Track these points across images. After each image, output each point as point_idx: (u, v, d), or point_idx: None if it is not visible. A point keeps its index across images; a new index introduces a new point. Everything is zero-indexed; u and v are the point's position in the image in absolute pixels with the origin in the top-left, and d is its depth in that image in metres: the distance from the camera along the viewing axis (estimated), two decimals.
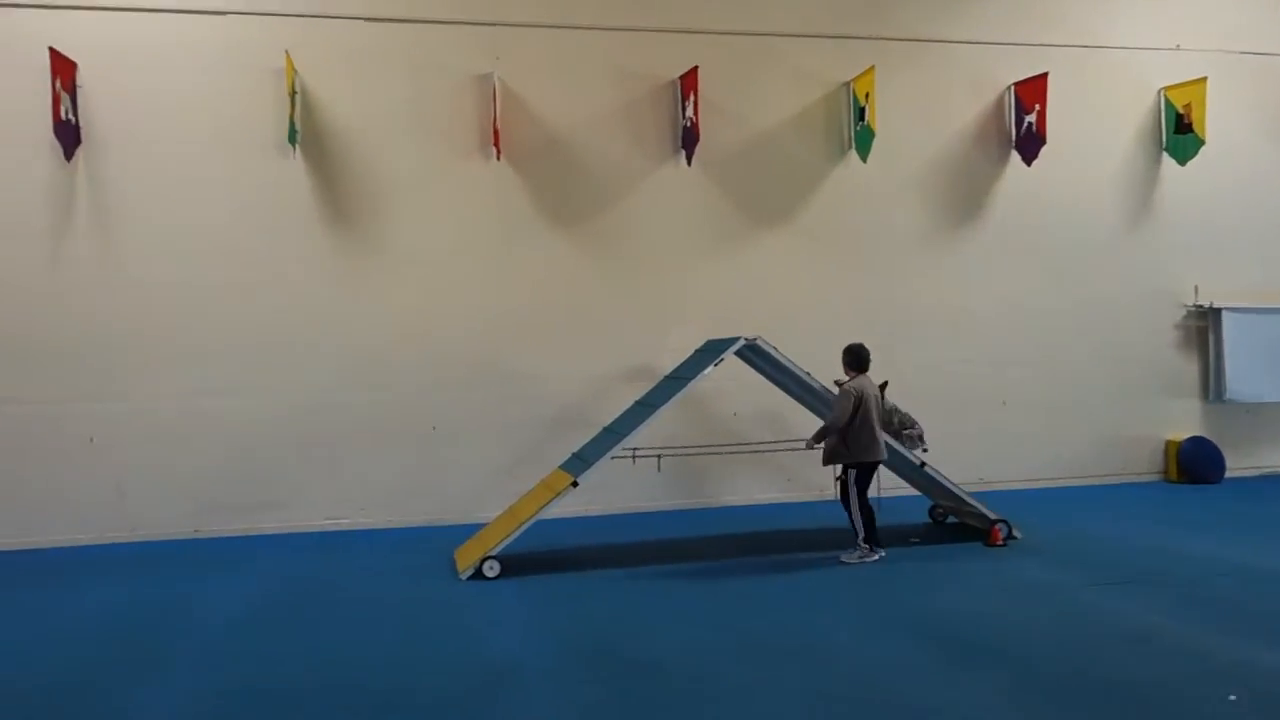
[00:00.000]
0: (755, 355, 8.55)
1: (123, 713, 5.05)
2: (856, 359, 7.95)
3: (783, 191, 10.91)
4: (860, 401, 7.70)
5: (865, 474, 7.85)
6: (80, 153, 9.43)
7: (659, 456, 8.22)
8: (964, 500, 8.50)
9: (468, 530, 8.88)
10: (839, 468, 8.00)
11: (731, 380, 9.43)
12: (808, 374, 8.29)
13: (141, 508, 9.55)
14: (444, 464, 10.15)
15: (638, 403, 8.79)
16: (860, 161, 10.69)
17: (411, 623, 6.53)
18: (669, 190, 10.64)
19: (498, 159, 10.09)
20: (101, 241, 9.52)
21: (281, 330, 9.81)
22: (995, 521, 8.30)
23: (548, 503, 7.69)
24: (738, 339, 8.11)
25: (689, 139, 10.34)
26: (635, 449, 8.17)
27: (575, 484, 7.71)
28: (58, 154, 9.34)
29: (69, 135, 9.25)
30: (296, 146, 9.66)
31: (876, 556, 7.78)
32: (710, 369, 8.02)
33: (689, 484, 10.54)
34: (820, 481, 10.70)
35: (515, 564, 7.67)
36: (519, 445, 10.22)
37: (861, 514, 7.81)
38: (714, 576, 7.61)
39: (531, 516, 7.64)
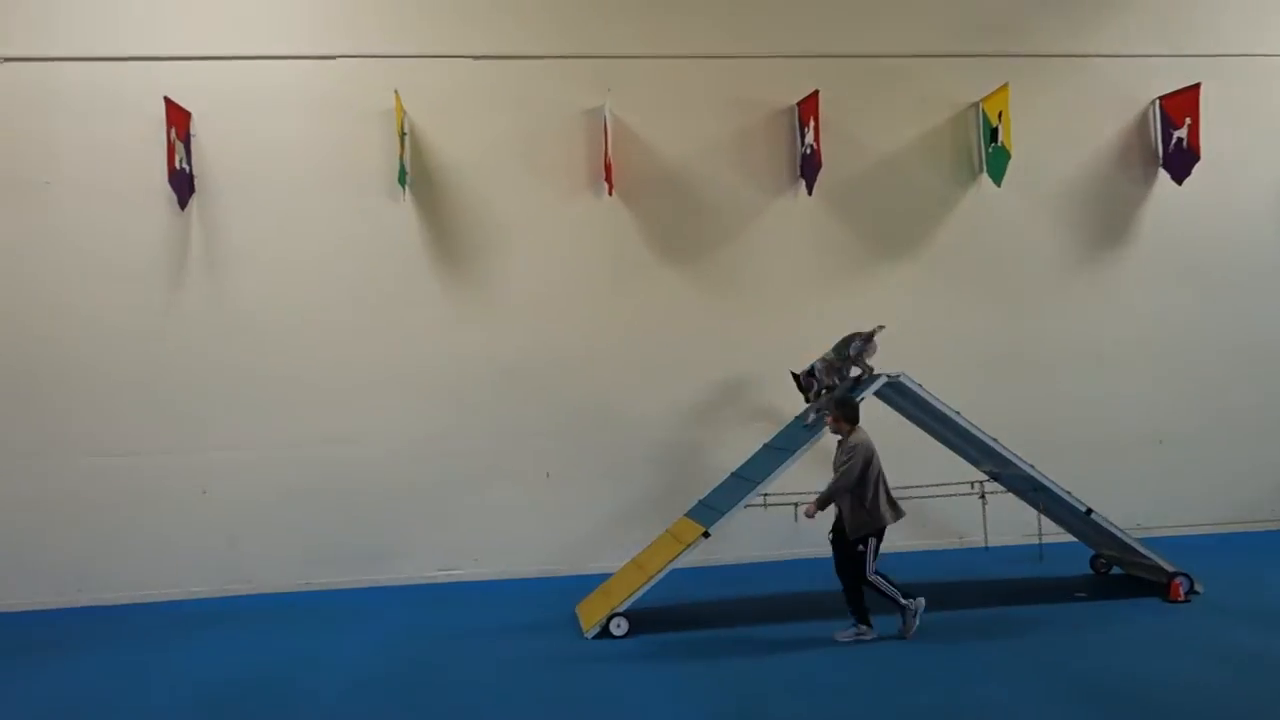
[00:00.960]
0: (895, 393, 7.90)
1: None
2: (854, 411, 7.06)
3: (909, 220, 10.28)
4: (870, 458, 6.86)
5: (880, 540, 6.90)
6: (194, 201, 9.38)
7: (796, 505, 7.61)
8: (1134, 549, 7.66)
9: (583, 581, 8.42)
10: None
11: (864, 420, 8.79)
12: (957, 413, 7.61)
13: (253, 559, 9.33)
14: (558, 511, 9.70)
15: (767, 446, 8.21)
16: (993, 185, 10.01)
17: (545, 690, 6.02)
18: (787, 222, 10.12)
19: (609, 194, 9.72)
20: (214, 289, 9.43)
21: (392, 375, 9.55)
22: (1174, 575, 7.44)
23: (677, 555, 7.15)
24: (879, 376, 7.49)
25: (810, 167, 9.82)
26: (766, 495, 7.59)
27: (707, 534, 7.16)
28: (172, 203, 9.31)
29: (183, 184, 9.21)
30: (406, 188, 9.45)
31: (874, 635, 6.83)
32: None
33: (810, 531, 9.84)
34: (958, 528, 10.02)
35: (643, 620, 7.14)
36: (635, 491, 9.73)
37: (876, 582, 6.82)
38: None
39: (661, 570, 7.11)
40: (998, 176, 9.91)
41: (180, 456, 9.26)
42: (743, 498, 7.29)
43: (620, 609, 7.04)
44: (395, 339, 9.57)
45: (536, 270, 9.79)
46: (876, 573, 6.79)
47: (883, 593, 6.81)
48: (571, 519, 9.71)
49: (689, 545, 7.15)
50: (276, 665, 6.79)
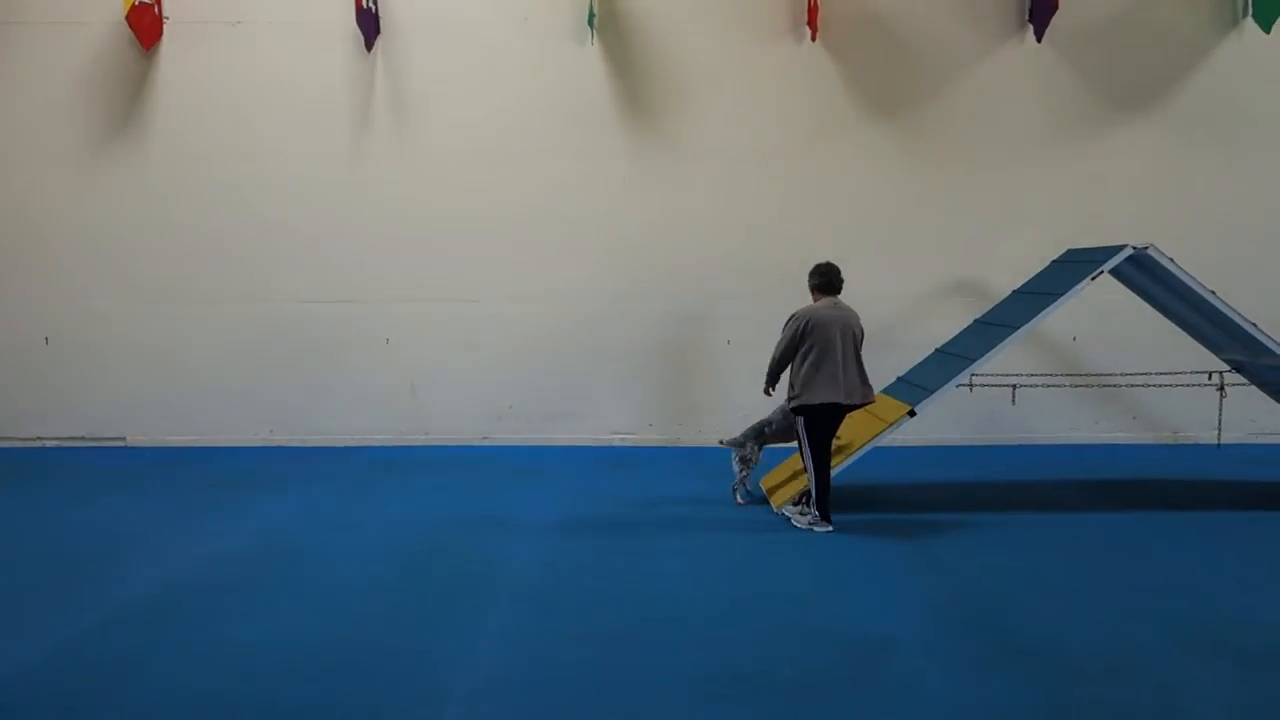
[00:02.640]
0: (1136, 270, 6.99)
1: (454, 650, 4.55)
2: (825, 279, 6.38)
3: (1153, 72, 9.03)
4: (803, 331, 6.17)
5: (820, 422, 6.21)
6: (379, 43, 9.09)
7: (1014, 387, 6.94)
8: None
9: (773, 453, 8.02)
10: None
11: (1077, 299, 7.92)
12: (1212, 293, 6.67)
13: (434, 411, 9.38)
14: (736, 381, 9.24)
15: (980, 321, 7.50)
16: (1261, 32, 8.60)
17: (738, 566, 5.71)
18: (1011, 73, 9.04)
19: (812, 40, 8.88)
20: (399, 136, 9.21)
21: (576, 232, 9.21)
22: None
23: (879, 434, 6.64)
24: (1123, 247, 6.59)
25: (1043, 9, 8.66)
26: (973, 376, 6.93)
27: (913, 413, 6.60)
28: (358, 44, 9.06)
29: (370, 25, 8.91)
30: (594, 32, 8.87)
31: (828, 529, 6.24)
32: (1086, 283, 6.57)
33: (1012, 417, 9.10)
34: (1175, 421, 9.12)
35: (836, 499, 6.72)
36: None
37: (816, 472, 6.24)
38: (1081, 532, 6.32)
39: (861, 448, 6.62)
40: (1267, 22, 8.52)
41: (365, 306, 9.28)
42: (954, 376, 6.67)
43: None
44: (582, 195, 9.18)
45: (728, 124, 9.12)
46: (816, 464, 6.23)
47: (810, 480, 6.29)
48: (750, 390, 9.24)
49: (892, 424, 6.61)
50: (463, 518, 6.77)
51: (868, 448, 6.61)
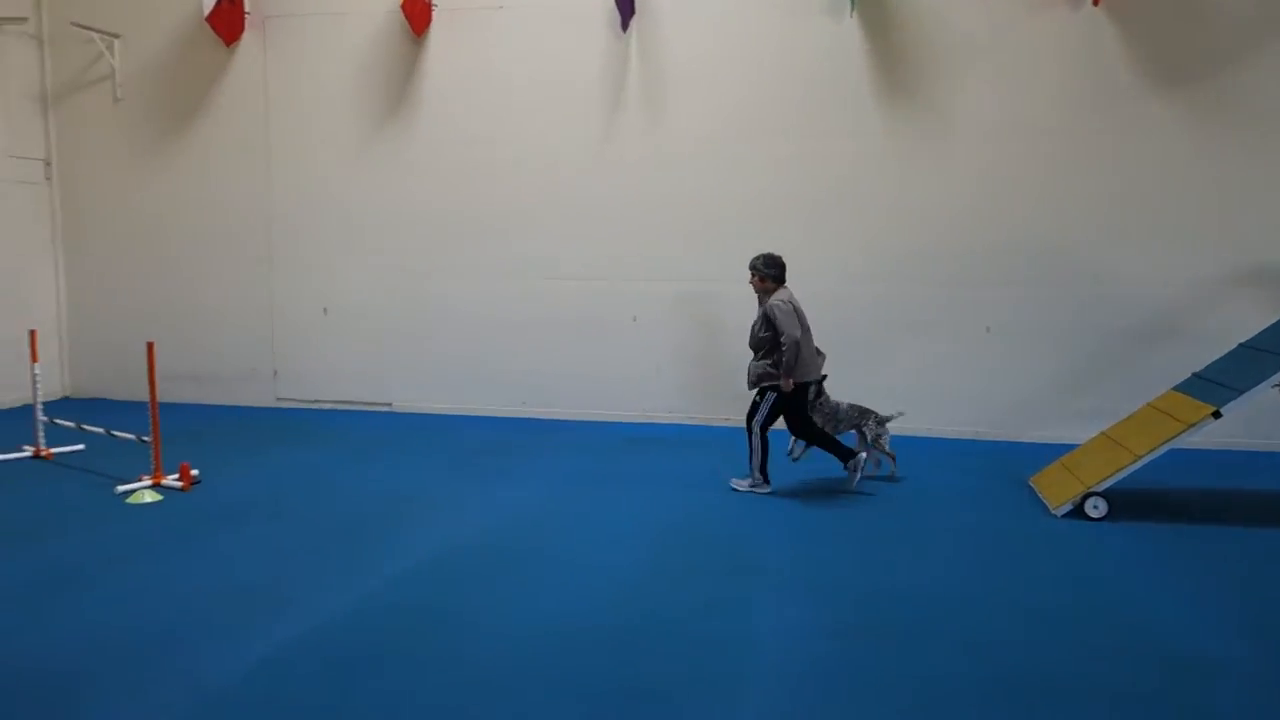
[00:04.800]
0: None
1: (733, 635, 4.52)
2: (782, 271, 7.03)
3: None
4: (800, 315, 6.83)
5: (802, 397, 6.91)
6: (634, 23, 9.16)
7: None
8: None
9: (1021, 450, 7.64)
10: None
11: None
12: None
13: (675, 390, 9.44)
14: (994, 370, 8.82)
15: None
16: None
17: (1027, 571, 5.37)
18: None
19: (1095, 4, 8.21)
20: (651, 115, 9.25)
21: (825, 210, 8.98)
22: None
23: (1176, 435, 6.07)
24: None
25: None
26: None
27: (1218, 414, 6.00)
28: (613, 26, 9.17)
29: (626, 5, 8.99)
30: (854, 5, 8.57)
31: (769, 489, 6.94)
32: None
33: None
34: None
35: (1125, 504, 6.23)
36: (1087, 356, 8.60)
37: (762, 438, 6.93)
38: None
39: (1155, 450, 6.09)
40: None
41: (614, 283, 9.44)
42: (1271, 374, 6.00)
43: (1098, 488, 6.17)
44: (831, 171, 8.93)
45: (994, 97, 8.59)
46: (763, 432, 6.90)
47: (754, 453, 6.94)
48: (1008, 379, 8.80)
49: (1192, 425, 6.04)
50: (715, 497, 6.76)
51: (1163, 449, 6.07)
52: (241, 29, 9.89)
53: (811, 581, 5.13)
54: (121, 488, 6.65)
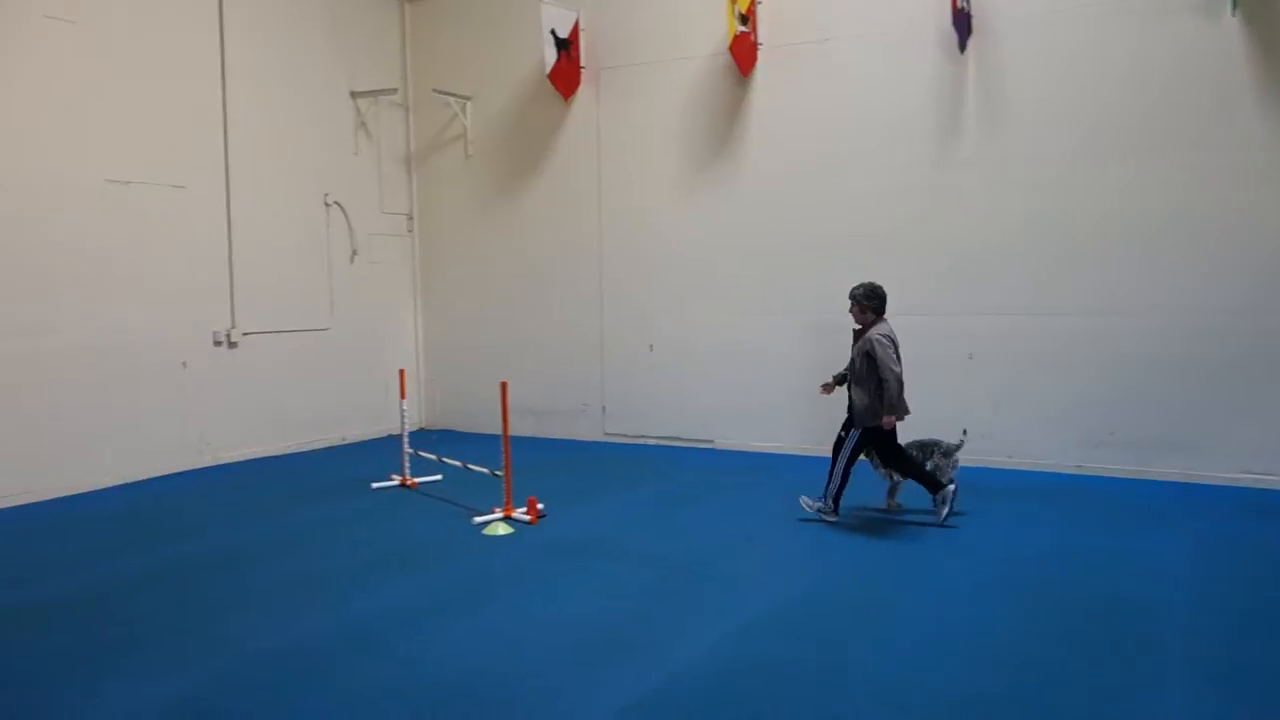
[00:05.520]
0: None
1: None
2: (882, 302, 6.91)
3: None
4: (897, 348, 6.77)
5: (888, 434, 6.82)
6: (971, 42, 8.67)
7: None
8: None
9: None
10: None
11: None
12: None
13: (1017, 432, 8.73)
14: None
15: None
16: None
17: None
18: None
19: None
20: (989, 138, 8.70)
21: (1174, 232, 8.01)
22: None
23: None
24: None
25: None
26: None
27: None
28: (946, 48, 8.74)
29: (964, 25, 8.54)
30: (1235, 3, 7.59)
31: (836, 519, 6.91)
32: None
33: None
34: None
35: None
36: None
37: (846, 470, 6.87)
38: None
39: None
40: None
41: (948, 317, 8.93)
42: None
43: None
44: (1184, 190, 7.96)
45: None
46: (849, 465, 6.85)
47: (833, 480, 6.88)
48: None
49: None
50: (1078, 552, 6.09)
51: None
52: (578, 83, 10.46)
53: (1223, 664, 4.43)
54: (477, 519, 7.10)
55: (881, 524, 7.02)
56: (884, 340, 6.76)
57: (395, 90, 11.20)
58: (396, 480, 8.46)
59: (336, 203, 10.69)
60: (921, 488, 7.06)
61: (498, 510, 7.21)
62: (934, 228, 8.94)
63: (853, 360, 6.97)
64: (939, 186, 8.91)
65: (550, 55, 10.09)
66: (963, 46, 8.62)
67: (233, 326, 9.61)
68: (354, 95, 10.86)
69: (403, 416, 8.59)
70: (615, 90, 10.39)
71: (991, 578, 5.73)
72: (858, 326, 7.06)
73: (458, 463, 7.97)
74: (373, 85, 10.94)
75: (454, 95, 11.07)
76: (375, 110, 11.14)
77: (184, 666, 4.59)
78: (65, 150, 8.21)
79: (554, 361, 10.93)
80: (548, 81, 10.41)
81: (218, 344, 9.51)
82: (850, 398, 7.00)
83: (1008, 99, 8.60)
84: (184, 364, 9.19)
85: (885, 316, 6.96)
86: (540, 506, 7.22)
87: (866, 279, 9.14)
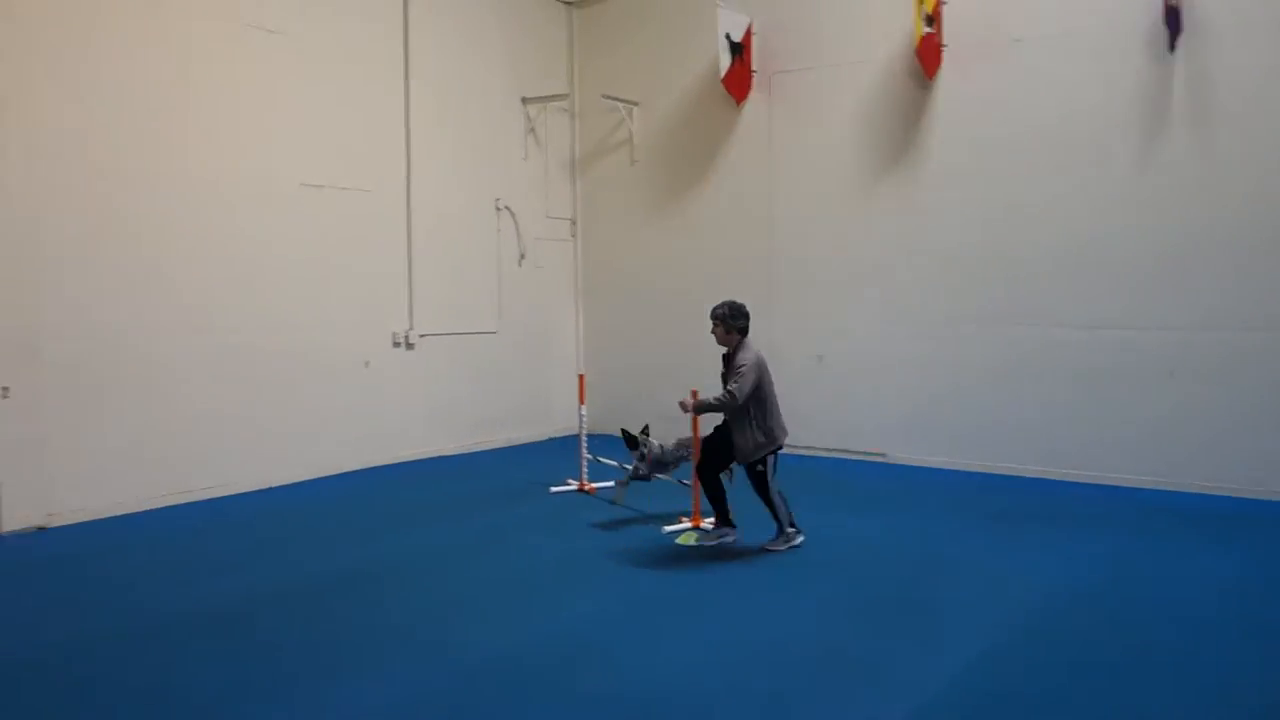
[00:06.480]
0: None
1: None
2: (746, 322, 6.56)
3: None
4: (762, 375, 6.37)
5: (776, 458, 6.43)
6: (1180, 42, 8.19)
7: None
8: None
9: None
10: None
11: None
12: None
13: (1226, 453, 8.18)
14: None
15: None
16: None
17: None
18: None
19: None
20: (1199, 140, 8.19)
21: None
22: None
23: None
24: None
25: None
26: None
27: None
28: (1150, 47, 8.28)
29: (1174, 22, 8.06)
30: None
31: (801, 538, 6.55)
32: None
33: None
34: None
35: None
36: None
37: (775, 497, 6.46)
38: None
39: None
40: None
41: (1146, 332, 8.44)
42: None
43: None
44: None
45: None
46: (778, 492, 6.49)
47: (776, 512, 6.50)
48: None
49: None
50: None
51: None
52: (749, 87, 10.33)
53: None
54: (667, 528, 7.03)
55: (1090, 555, 6.63)
56: (753, 366, 6.34)
57: (566, 96, 11.29)
58: (574, 484, 8.47)
59: (506, 207, 10.84)
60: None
61: (684, 520, 7.13)
62: (1132, 236, 8.47)
63: (727, 389, 6.43)
64: (1140, 192, 8.43)
65: (725, 60, 9.99)
66: (1173, 45, 8.14)
67: (410, 328, 9.83)
68: (525, 101, 10.99)
69: (581, 421, 8.60)
70: (788, 94, 10.21)
71: (1221, 609, 5.34)
72: (725, 350, 6.64)
73: (671, 479, 7.84)
74: (542, 91, 11.05)
75: (622, 100, 11.09)
76: (544, 116, 11.25)
77: (406, 672, 4.59)
78: (264, 154, 8.52)
79: (718, 369, 10.78)
80: (716, 86, 10.32)
81: (396, 345, 9.74)
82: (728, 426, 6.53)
83: (1219, 98, 8.08)
84: (366, 363, 9.44)
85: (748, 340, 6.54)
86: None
87: (1045, 290, 8.83)
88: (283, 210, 8.68)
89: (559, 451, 10.18)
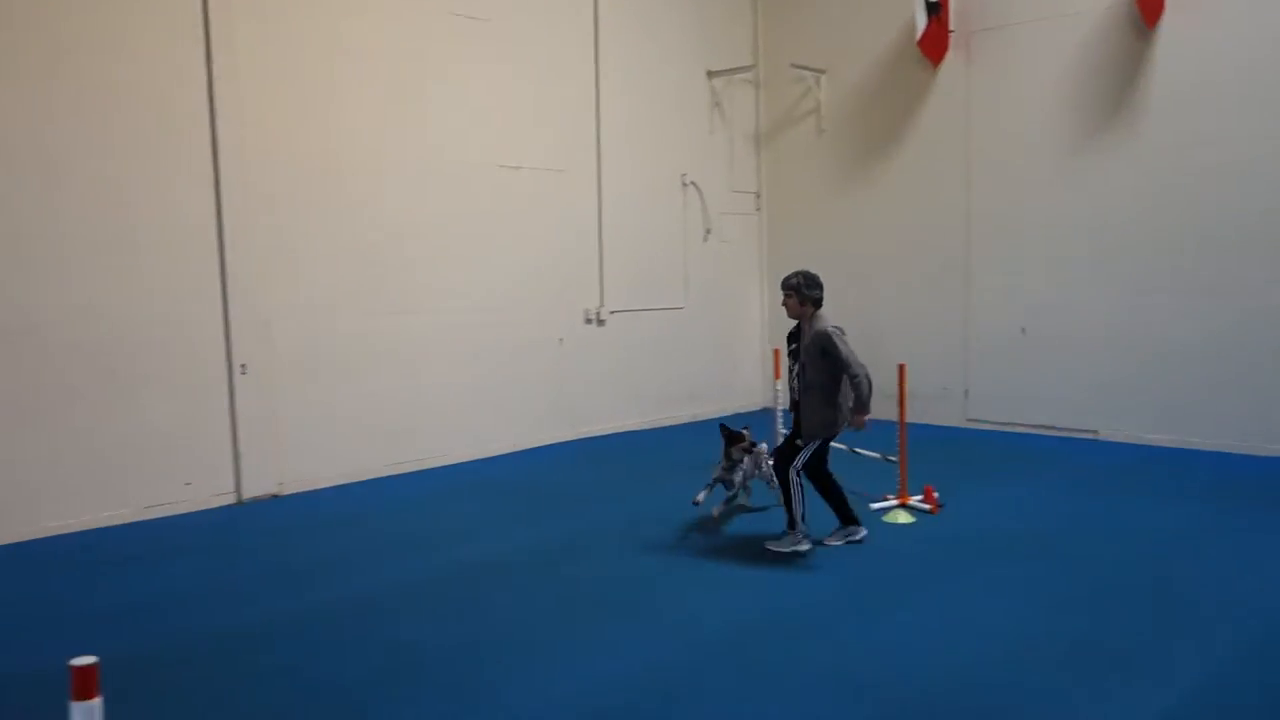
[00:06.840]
0: None
1: None
2: (822, 291, 6.00)
3: None
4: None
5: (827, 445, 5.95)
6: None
7: None
8: None
9: None
10: None
11: None
12: None
13: None
14: None
15: None
16: None
17: None
18: None
19: None
20: None
21: None
22: None
23: None
24: None
25: None
26: None
27: None
28: None
29: None
30: None
31: (807, 545, 5.88)
32: None
33: None
34: None
35: None
36: None
37: (797, 485, 5.89)
38: None
39: None
40: None
41: None
42: None
43: None
44: None
45: None
46: (798, 483, 5.86)
47: (789, 498, 5.89)
48: None
49: None
50: None
51: None
52: (946, 49, 9.89)
53: None
54: (874, 506, 6.87)
55: None
56: (838, 331, 5.76)
57: (751, 67, 11.14)
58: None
59: (693, 182, 10.81)
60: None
61: (890, 498, 6.95)
62: None
63: (800, 364, 5.91)
64: None
65: (921, 20, 9.60)
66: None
67: (601, 305, 9.97)
68: (710, 74, 10.91)
69: (775, 395, 8.49)
70: (989, 54, 9.72)
71: None
72: (794, 322, 6.04)
73: (843, 446, 7.74)
74: (727, 64, 10.93)
75: (809, 69, 10.84)
76: (729, 89, 11.14)
77: (636, 644, 4.67)
78: (464, 138, 8.77)
79: (911, 342, 10.45)
80: (909, 51, 9.96)
81: (588, 321, 9.91)
82: (798, 406, 5.98)
83: None
84: (560, 340, 9.64)
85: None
86: (936, 495, 6.89)
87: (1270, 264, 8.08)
88: (483, 192, 8.93)
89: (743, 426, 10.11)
